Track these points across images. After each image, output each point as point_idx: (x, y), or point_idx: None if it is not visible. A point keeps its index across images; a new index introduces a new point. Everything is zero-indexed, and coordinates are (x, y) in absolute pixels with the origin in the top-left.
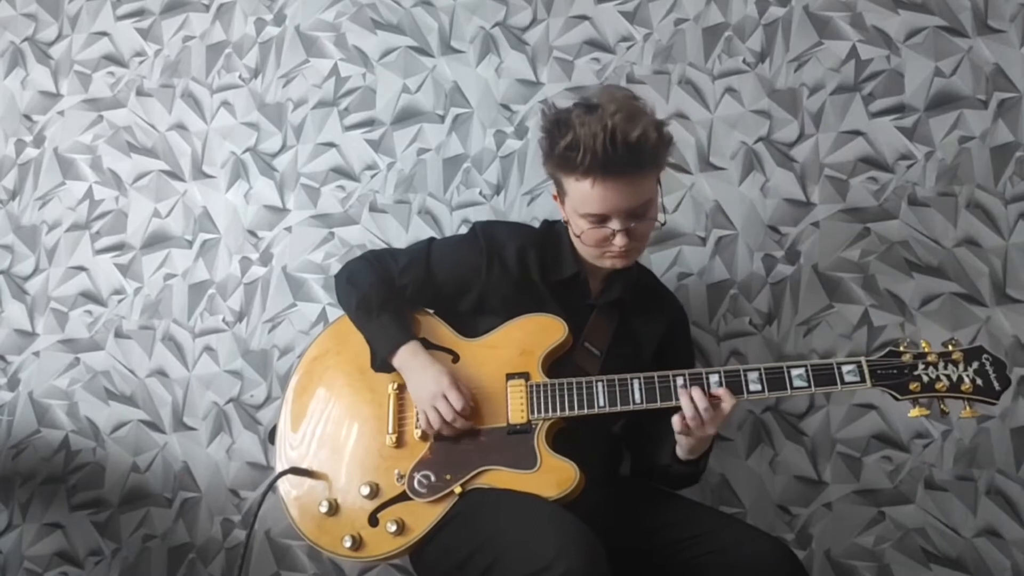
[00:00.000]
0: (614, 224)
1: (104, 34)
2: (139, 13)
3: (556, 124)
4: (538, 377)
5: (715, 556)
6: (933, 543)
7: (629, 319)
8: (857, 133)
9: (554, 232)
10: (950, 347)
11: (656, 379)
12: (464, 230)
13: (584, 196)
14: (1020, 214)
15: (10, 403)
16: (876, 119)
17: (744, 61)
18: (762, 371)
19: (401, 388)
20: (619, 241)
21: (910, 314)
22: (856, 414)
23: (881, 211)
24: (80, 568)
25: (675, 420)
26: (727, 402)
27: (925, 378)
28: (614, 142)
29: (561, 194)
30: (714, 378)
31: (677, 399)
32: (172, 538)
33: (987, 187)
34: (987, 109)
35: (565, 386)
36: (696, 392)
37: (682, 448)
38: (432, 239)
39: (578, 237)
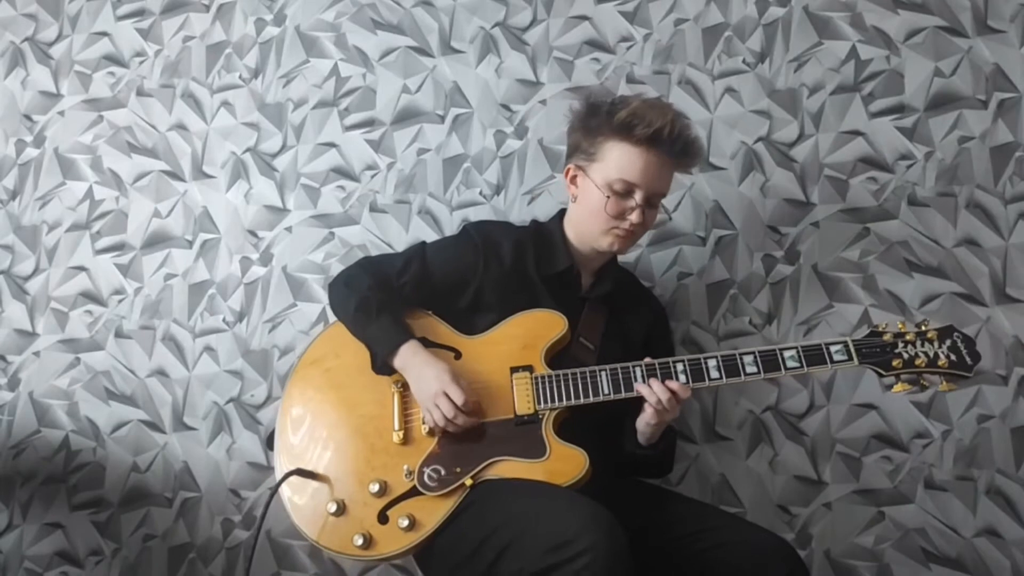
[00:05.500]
0: (637, 198)
1: (104, 34)
2: (139, 13)
3: (613, 102)
4: (542, 369)
5: (716, 552)
6: (933, 543)
7: (617, 315)
8: (857, 133)
9: (545, 229)
10: (923, 327)
11: (657, 366)
12: None
13: (629, 161)
14: (1020, 214)
15: (10, 403)
16: (876, 119)
17: (744, 61)
18: (757, 354)
19: (405, 386)
20: (635, 217)
21: (910, 314)
22: (856, 414)
23: (881, 211)
24: (80, 568)
25: (645, 412)
26: (683, 393)
27: (905, 355)
28: (674, 129)
29: (588, 165)
30: (712, 363)
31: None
32: (172, 538)
33: (987, 187)
34: (987, 109)
35: (570, 376)
36: (656, 384)
37: (643, 435)
38: (424, 242)
39: (602, 200)
